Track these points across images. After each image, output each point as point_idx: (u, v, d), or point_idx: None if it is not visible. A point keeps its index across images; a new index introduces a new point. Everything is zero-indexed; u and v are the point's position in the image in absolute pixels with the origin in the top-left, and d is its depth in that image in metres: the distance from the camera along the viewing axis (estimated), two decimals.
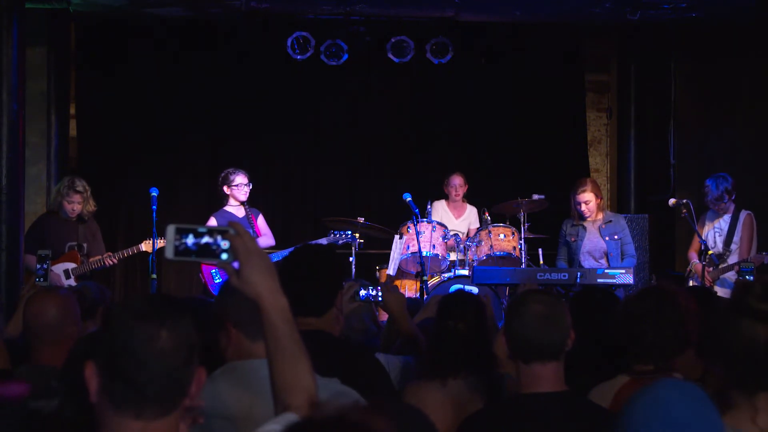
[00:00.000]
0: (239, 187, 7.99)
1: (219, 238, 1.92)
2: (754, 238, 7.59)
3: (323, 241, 7.83)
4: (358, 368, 2.81)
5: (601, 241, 7.52)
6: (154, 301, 1.91)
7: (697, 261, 7.55)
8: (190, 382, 1.88)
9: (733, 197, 7.57)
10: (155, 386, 1.83)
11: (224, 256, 1.93)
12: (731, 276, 7.31)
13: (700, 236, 7.47)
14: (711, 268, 7.42)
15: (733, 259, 7.45)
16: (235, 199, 8.03)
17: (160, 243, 7.26)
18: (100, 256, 7.55)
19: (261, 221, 8.18)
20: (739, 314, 2.11)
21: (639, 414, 1.87)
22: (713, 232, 7.62)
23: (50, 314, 3.50)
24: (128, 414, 1.84)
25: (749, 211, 7.62)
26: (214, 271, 7.89)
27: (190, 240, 1.91)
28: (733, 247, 7.54)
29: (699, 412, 1.86)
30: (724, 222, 7.61)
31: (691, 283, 7.59)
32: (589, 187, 7.57)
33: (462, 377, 3.26)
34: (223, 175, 8.12)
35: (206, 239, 1.92)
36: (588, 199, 7.49)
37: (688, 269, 7.78)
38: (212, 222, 7.88)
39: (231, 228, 1.93)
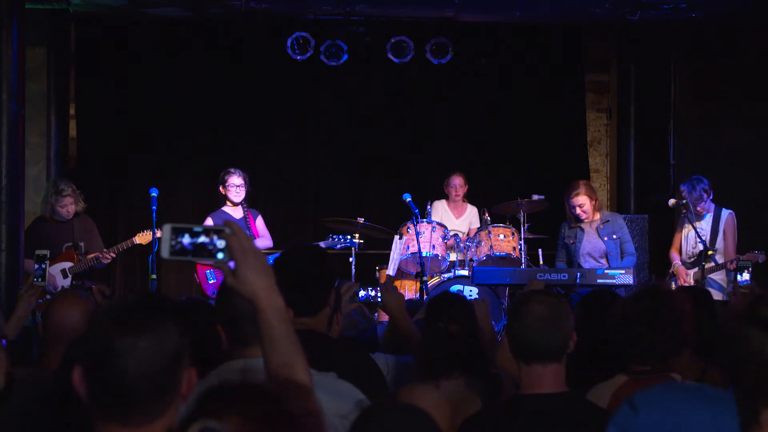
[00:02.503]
0: (232, 187, 7.96)
1: (215, 237, 1.92)
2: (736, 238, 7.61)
3: (321, 245, 7.82)
4: (351, 368, 2.81)
5: (600, 241, 7.50)
6: (133, 308, 1.88)
7: (679, 262, 7.60)
8: (178, 387, 1.88)
9: (711, 197, 7.57)
10: (137, 395, 1.83)
11: (220, 255, 1.92)
12: (716, 277, 7.35)
13: (700, 238, 7.46)
14: (696, 269, 7.43)
15: (718, 259, 7.44)
16: (229, 200, 8.00)
17: (159, 233, 7.26)
18: (98, 253, 7.55)
19: (260, 222, 8.16)
20: (748, 325, 2.09)
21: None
22: (694, 234, 7.57)
23: (74, 318, 3.50)
24: (115, 421, 1.84)
25: (731, 211, 7.62)
26: (209, 271, 7.88)
27: (186, 239, 1.91)
28: (717, 246, 7.54)
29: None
30: (705, 223, 7.61)
31: (673, 285, 7.62)
32: (583, 189, 7.51)
33: (455, 378, 3.26)
34: (220, 174, 8.11)
35: (202, 239, 1.92)
36: (582, 202, 7.45)
37: (670, 270, 7.77)
38: (209, 222, 7.87)
39: (227, 227, 1.93)
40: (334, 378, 2.51)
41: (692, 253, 7.62)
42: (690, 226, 7.56)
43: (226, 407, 1.45)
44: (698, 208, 7.56)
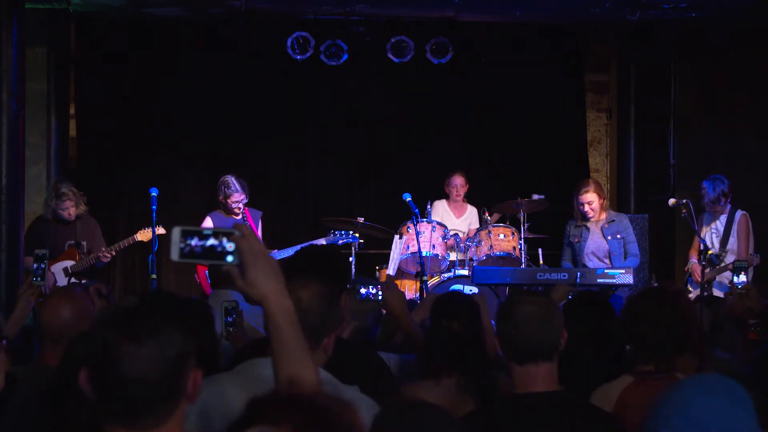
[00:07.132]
0: (236, 204, 7.77)
1: (224, 240, 1.90)
2: (750, 238, 7.60)
3: (322, 241, 7.80)
4: (360, 367, 2.81)
5: (604, 241, 7.51)
6: (136, 314, 1.88)
7: (695, 261, 7.58)
8: (183, 389, 1.88)
9: (729, 199, 7.58)
10: (140, 402, 1.83)
11: (230, 258, 1.91)
12: (726, 276, 7.33)
13: (700, 237, 7.47)
14: (709, 269, 7.43)
15: (730, 259, 7.46)
16: (231, 213, 7.82)
17: (158, 230, 7.21)
18: (96, 252, 7.54)
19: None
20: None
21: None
22: (710, 234, 7.64)
23: (65, 315, 3.49)
24: (120, 423, 1.85)
25: (744, 212, 7.64)
26: (209, 271, 7.84)
27: (195, 242, 1.89)
28: (730, 247, 7.56)
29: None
30: (720, 223, 7.63)
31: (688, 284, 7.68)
32: (592, 187, 7.54)
33: (455, 376, 3.27)
34: (222, 183, 7.81)
35: (211, 241, 1.90)
36: (591, 200, 7.47)
37: (686, 268, 7.81)
38: (208, 222, 7.82)
39: (236, 230, 1.91)
40: (356, 391, 2.50)
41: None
42: (707, 227, 7.60)
43: (279, 414, 1.45)
44: (712, 210, 7.58)
